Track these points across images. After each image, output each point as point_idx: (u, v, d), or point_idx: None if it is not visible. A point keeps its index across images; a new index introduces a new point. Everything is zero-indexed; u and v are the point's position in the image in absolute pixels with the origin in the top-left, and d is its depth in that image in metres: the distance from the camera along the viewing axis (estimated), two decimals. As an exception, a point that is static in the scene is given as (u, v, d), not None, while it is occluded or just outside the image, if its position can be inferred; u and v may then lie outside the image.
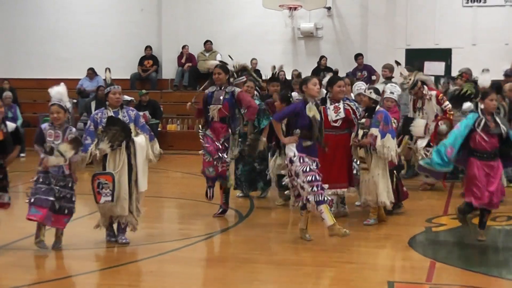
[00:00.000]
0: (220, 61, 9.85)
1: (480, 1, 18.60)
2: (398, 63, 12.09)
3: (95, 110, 17.48)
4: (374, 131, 8.91)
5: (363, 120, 9.06)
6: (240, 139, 9.99)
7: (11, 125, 7.50)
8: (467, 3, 18.72)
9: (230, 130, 9.49)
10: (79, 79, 19.65)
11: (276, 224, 9.76)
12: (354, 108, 9.29)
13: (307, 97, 8.15)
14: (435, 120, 10.98)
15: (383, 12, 18.87)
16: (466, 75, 12.80)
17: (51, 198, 7.62)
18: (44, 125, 7.80)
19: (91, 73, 19.55)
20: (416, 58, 18.55)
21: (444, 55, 18.55)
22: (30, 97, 20.49)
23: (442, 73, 18.02)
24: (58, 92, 7.86)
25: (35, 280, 6.95)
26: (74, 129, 7.93)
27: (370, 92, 9.10)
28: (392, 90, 9.83)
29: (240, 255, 7.76)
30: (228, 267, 7.30)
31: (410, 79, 11.14)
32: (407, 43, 19.10)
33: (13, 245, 8.13)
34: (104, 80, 8.80)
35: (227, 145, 9.45)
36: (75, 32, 20.98)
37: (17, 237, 8.39)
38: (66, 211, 7.78)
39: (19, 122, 17.99)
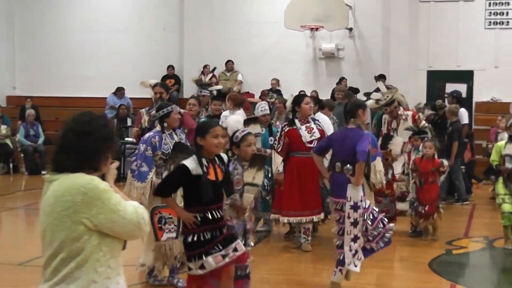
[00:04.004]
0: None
1: (502, 24, 18.55)
2: (377, 79, 11.77)
3: (116, 128, 17.99)
4: None
5: None
6: None
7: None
8: (490, 25, 18.67)
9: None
10: (100, 98, 19.78)
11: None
12: (325, 129, 8.95)
13: (361, 125, 7.08)
14: (409, 141, 10.60)
15: (405, 33, 18.86)
16: None
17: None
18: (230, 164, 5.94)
19: (122, 93, 19.49)
20: (438, 79, 18.57)
21: (466, 77, 18.49)
22: (53, 115, 20.65)
23: (464, 95, 18.00)
24: (238, 121, 6.55)
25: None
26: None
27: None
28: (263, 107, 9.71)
29: (260, 276, 7.74)
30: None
31: (387, 96, 10.79)
32: (429, 64, 19.05)
33: (35, 261, 8.15)
34: (152, 99, 8.12)
35: None
36: (97, 51, 21.14)
37: (39, 254, 8.41)
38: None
39: (41, 139, 18.16)
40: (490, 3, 18.56)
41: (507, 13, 18.48)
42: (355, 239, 6.74)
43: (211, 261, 5.31)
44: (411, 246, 9.33)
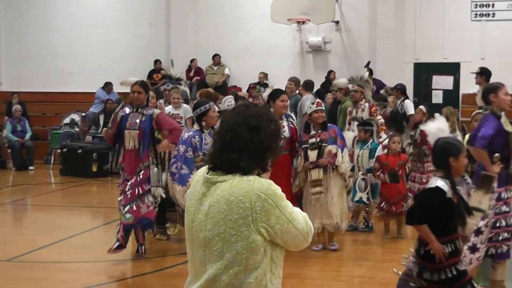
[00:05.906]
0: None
1: (488, 16, 18.62)
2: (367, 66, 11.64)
3: (103, 123, 17.90)
4: (333, 148, 8.10)
5: (313, 140, 8.13)
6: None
7: None
8: (476, 17, 18.73)
9: (150, 160, 7.59)
10: (87, 93, 19.73)
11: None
12: (298, 127, 8.46)
13: (496, 110, 6.33)
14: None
15: (391, 26, 18.89)
16: (345, 88, 12.50)
17: None
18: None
19: (110, 88, 19.41)
20: (424, 72, 18.62)
21: (452, 69, 18.53)
22: (39, 110, 20.58)
23: (451, 87, 18.04)
24: (440, 129, 5.44)
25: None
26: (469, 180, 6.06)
27: None
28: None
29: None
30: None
31: (361, 78, 10.62)
32: (415, 57, 19.09)
33: (23, 257, 8.14)
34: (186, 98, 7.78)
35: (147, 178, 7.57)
36: (84, 46, 21.06)
37: (27, 250, 8.42)
38: None
39: (28, 135, 18.09)
40: (476, -5, 18.64)
41: (493, 5, 18.54)
42: (477, 232, 6.21)
43: None
44: (403, 239, 9.30)
